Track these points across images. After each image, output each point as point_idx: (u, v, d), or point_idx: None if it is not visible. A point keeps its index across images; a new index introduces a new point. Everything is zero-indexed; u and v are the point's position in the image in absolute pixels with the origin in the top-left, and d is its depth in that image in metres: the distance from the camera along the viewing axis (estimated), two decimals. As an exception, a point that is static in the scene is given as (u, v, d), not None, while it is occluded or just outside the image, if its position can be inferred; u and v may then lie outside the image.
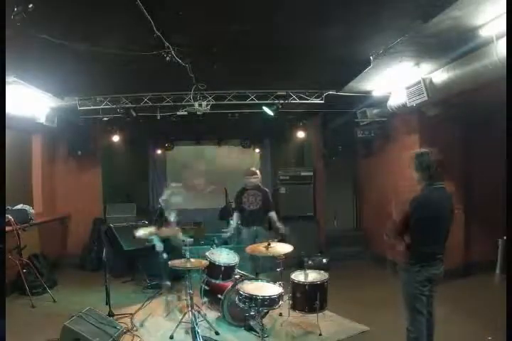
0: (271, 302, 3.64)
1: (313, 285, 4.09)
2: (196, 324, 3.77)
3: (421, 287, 2.90)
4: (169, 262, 4.06)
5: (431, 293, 3.00)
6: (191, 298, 4.00)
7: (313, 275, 4.26)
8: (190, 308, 3.97)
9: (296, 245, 4.28)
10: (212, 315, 4.46)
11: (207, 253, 4.61)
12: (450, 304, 4.64)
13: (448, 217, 2.97)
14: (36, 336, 3.95)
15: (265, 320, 3.71)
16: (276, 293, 3.70)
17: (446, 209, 2.96)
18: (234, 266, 4.44)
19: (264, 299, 3.60)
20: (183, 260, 3.96)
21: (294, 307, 4.20)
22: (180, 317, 4.18)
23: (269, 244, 4.13)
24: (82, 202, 7.31)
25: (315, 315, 4.11)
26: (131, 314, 4.56)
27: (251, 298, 3.60)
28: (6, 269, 4.60)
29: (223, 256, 4.60)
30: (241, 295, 3.68)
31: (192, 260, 3.95)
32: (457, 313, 4.38)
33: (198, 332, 3.63)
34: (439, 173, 2.91)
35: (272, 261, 4.59)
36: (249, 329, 4.03)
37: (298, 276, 4.23)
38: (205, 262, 4.11)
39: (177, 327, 4.04)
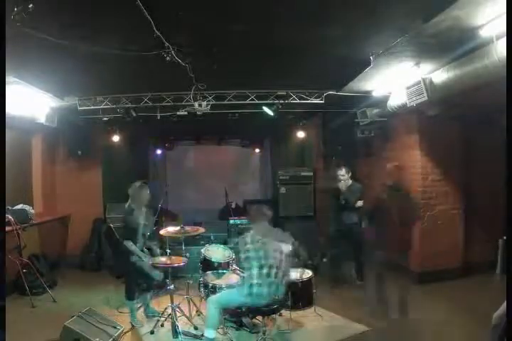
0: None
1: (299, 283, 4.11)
2: (176, 319, 3.95)
3: None
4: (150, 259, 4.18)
5: None
6: (171, 294, 4.15)
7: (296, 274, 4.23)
8: (170, 304, 4.11)
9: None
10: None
11: (202, 250, 4.66)
12: (450, 304, 4.65)
13: None
14: (36, 336, 3.95)
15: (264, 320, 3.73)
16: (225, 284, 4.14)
17: None
18: (228, 262, 4.49)
19: (221, 287, 4.06)
20: (164, 257, 4.11)
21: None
22: (160, 313, 4.30)
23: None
24: (82, 202, 7.28)
25: (316, 314, 4.12)
26: (131, 314, 4.56)
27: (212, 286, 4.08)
28: (6, 269, 4.60)
29: (218, 253, 4.65)
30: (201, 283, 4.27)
31: (173, 257, 4.10)
32: (457, 313, 4.38)
33: (177, 326, 3.86)
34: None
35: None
36: (241, 325, 4.12)
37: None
38: (181, 259, 4.20)
39: (157, 322, 4.15)
